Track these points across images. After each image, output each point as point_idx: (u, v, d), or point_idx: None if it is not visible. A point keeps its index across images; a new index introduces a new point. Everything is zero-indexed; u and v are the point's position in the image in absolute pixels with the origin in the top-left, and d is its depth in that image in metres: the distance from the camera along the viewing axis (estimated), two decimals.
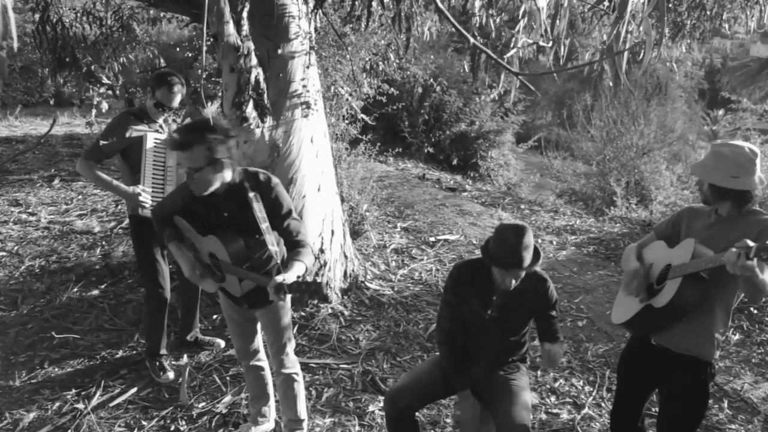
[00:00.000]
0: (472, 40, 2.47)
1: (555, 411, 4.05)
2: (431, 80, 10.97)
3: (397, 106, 8.90)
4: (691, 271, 2.50)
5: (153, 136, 3.89)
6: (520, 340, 3.17)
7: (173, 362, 4.26)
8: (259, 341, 3.41)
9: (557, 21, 2.91)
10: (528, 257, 2.76)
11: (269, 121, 4.62)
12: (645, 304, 2.72)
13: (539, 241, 7.13)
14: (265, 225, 2.87)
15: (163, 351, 4.15)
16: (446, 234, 7.03)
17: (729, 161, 2.50)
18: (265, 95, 4.52)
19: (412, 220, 7.42)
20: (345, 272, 5.35)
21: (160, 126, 4.03)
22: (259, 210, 2.86)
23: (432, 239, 6.84)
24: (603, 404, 4.16)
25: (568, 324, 5.25)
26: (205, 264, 3.07)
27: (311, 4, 4.86)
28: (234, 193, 2.88)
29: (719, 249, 2.53)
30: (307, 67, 4.88)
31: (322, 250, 5.00)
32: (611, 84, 11.21)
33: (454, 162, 11.93)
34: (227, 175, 2.81)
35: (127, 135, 3.85)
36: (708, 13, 4.32)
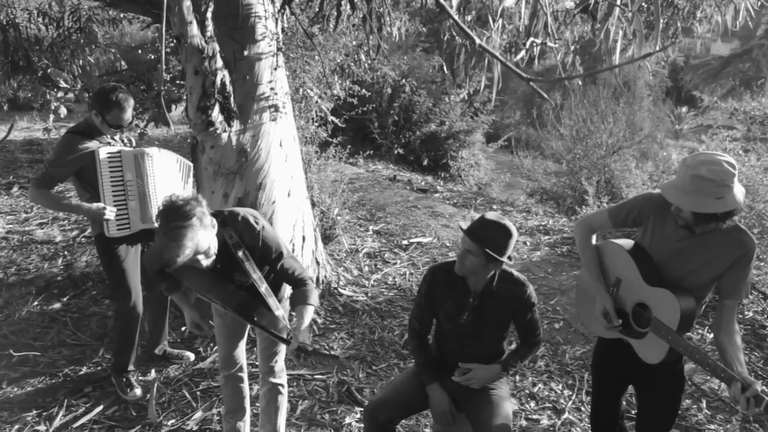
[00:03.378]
0: (478, 41, 2.36)
1: (535, 417, 3.99)
2: (402, 80, 10.87)
3: (367, 107, 8.78)
4: (682, 353, 2.43)
5: (105, 151, 3.61)
6: (499, 347, 3.09)
7: (141, 378, 4.09)
8: (243, 351, 3.28)
9: (534, 20, 2.84)
10: (508, 244, 2.69)
11: (236, 125, 4.47)
12: (622, 338, 2.70)
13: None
14: (263, 287, 2.74)
15: (131, 367, 3.98)
16: (419, 237, 6.94)
17: (711, 183, 2.29)
18: (232, 98, 4.37)
19: (384, 223, 7.32)
20: (317, 279, 5.22)
21: (112, 137, 3.80)
22: (252, 270, 2.72)
23: (405, 242, 6.74)
24: (583, 408, 4.11)
25: (545, 326, 5.19)
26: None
27: (278, 4, 4.72)
28: (221, 252, 2.69)
29: (686, 267, 2.47)
30: (275, 69, 4.74)
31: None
32: (580, 83, 11.24)
33: (425, 163, 11.87)
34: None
35: (77, 156, 3.57)
36: (680, 12, 4.30)
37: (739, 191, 2.34)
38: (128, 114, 3.71)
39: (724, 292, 2.49)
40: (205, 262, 2.59)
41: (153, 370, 4.20)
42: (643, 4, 4.34)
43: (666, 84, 23.42)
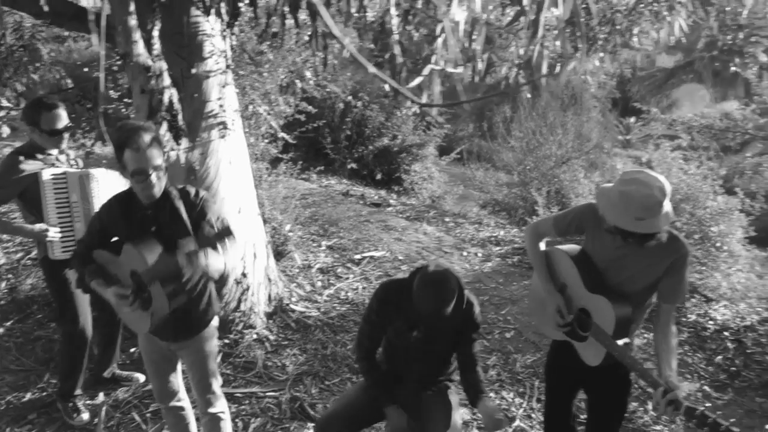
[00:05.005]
0: (371, 69, 2.42)
1: None
2: (349, 97, 10.91)
3: (318, 123, 8.79)
4: (616, 357, 2.52)
5: (49, 173, 3.54)
6: (447, 362, 3.15)
7: (88, 402, 4.01)
8: (179, 380, 3.22)
9: (473, 37, 2.92)
10: (449, 307, 2.71)
11: (184, 143, 4.45)
12: (567, 340, 2.78)
13: (464, 254, 7.18)
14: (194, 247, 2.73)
15: (78, 391, 3.90)
16: (372, 251, 6.97)
17: (636, 205, 2.37)
18: (180, 116, 4.34)
19: (337, 238, 7.34)
20: (269, 296, 5.21)
21: (57, 158, 3.74)
22: (188, 222, 2.73)
23: (357, 257, 6.77)
24: (534, 415, 4.19)
25: (496, 336, 5.28)
26: (132, 291, 2.81)
27: (225, 21, 4.74)
28: (162, 203, 2.72)
29: (624, 274, 2.58)
30: (224, 86, 4.74)
31: (244, 274, 4.85)
32: (529, 96, 11.47)
33: (378, 177, 11.90)
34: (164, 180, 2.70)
35: (20, 176, 3.50)
36: (618, 27, 4.47)
37: (664, 217, 2.42)
38: (61, 115, 3.63)
39: (661, 296, 2.60)
40: (155, 184, 2.62)
41: (101, 394, 4.13)
42: (582, 19, 4.49)
43: (614, 95, 24.00)
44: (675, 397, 2.27)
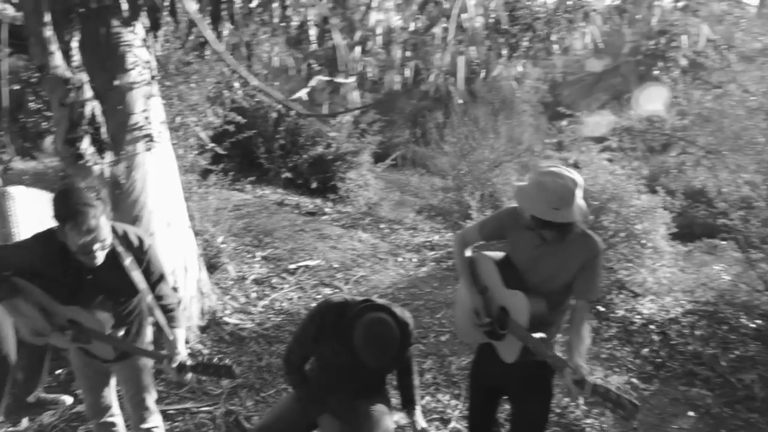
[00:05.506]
0: (254, 82, 2.45)
1: None
2: (279, 106, 10.84)
3: (249, 133, 8.70)
4: (526, 345, 2.60)
5: None
6: (381, 380, 3.18)
7: (10, 429, 3.86)
8: (113, 395, 3.15)
9: (391, 46, 2.98)
10: (392, 354, 2.74)
11: (108, 156, 4.34)
12: (488, 342, 2.84)
13: (399, 259, 7.24)
14: (150, 298, 2.70)
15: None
16: (307, 260, 6.96)
17: (550, 193, 2.49)
18: (103, 129, 4.25)
19: (271, 248, 7.28)
20: (202, 309, 5.14)
21: None
22: (137, 277, 2.67)
23: (292, 266, 6.74)
24: None
25: (431, 339, 5.34)
26: (61, 326, 2.75)
27: (144, 31, 4.66)
28: (107, 257, 2.60)
29: (543, 274, 2.67)
30: (149, 98, 4.66)
31: (175, 289, 4.76)
32: (460, 101, 11.67)
33: (314, 186, 11.87)
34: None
35: None
36: (539, 34, 4.62)
37: (578, 208, 2.54)
38: None
39: (576, 293, 2.70)
40: (100, 255, 2.52)
41: (25, 419, 3.97)
42: (506, 26, 4.60)
43: (546, 99, 24.59)
44: (580, 377, 2.37)
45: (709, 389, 4.71)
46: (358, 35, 2.98)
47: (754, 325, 5.73)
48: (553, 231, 2.59)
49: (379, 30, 2.82)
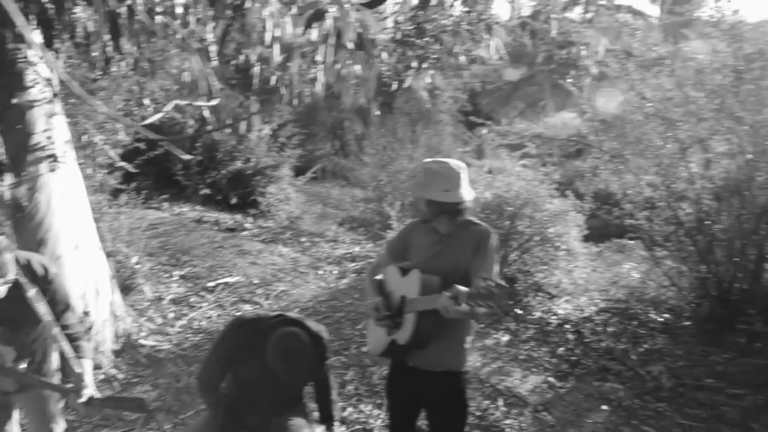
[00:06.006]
0: (90, 102, 2.43)
1: None
2: (192, 121, 10.66)
3: (161, 150, 8.50)
4: (421, 309, 2.67)
5: None
6: (299, 395, 3.17)
7: None
8: (15, 430, 3.01)
9: (290, 62, 3.01)
10: (305, 368, 2.75)
11: (8, 178, 4.18)
12: (391, 338, 2.87)
13: (320, 272, 7.23)
14: (48, 318, 2.59)
15: None
16: (226, 277, 6.86)
17: (439, 176, 2.74)
18: (1, 150, 4.08)
19: (189, 266, 7.14)
20: (116, 332, 4.99)
21: None
22: (41, 308, 2.56)
23: (211, 284, 6.63)
24: None
25: (353, 351, 5.35)
26: None
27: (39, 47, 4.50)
28: (9, 289, 2.52)
29: (443, 267, 2.76)
30: (51, 117, 4.51)
31: (86, 313, 4.61)
32: (377, 113, 11.78)
33: (233, 201, 11.70)
34: None
35: None
36: (446, 46, 4.75)
37: (466, 192, 2.77)
38: None
39: (471, 275, 2.77)
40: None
41: None
42: (412, 39, 4.70)
43: (466, 108, 25.07)
44: (455, 293, 2.45)
45: (621, 383, 4.90)
46: (258, 50, 2.99)
47: (661, 319, 6.01)
48: (446, 219, 2.79)
49: (277, 44, 2.84)
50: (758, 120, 5.10)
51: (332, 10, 2.79)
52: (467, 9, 4.47)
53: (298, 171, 14.10)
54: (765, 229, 5.22)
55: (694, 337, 5.54)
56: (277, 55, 2.89)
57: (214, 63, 2.98)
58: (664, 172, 5.75)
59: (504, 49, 4.84)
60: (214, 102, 3.69)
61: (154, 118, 2.86)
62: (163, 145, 6.16)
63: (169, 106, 2.88)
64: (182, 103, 2.92)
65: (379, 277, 3.07)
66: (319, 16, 2.94)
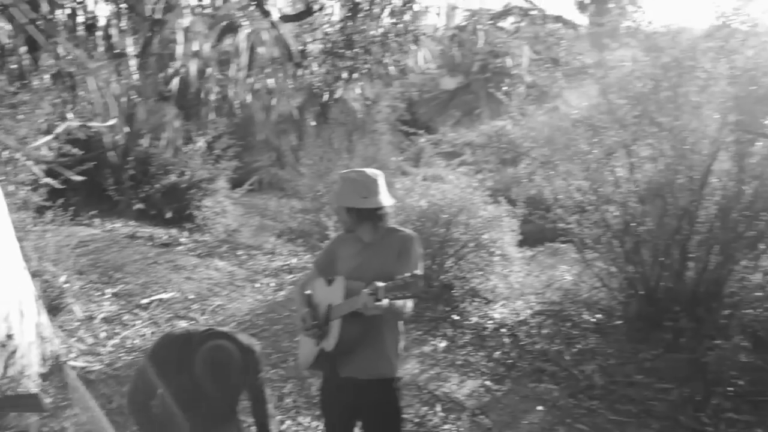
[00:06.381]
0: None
1: None
2: (119, 136, 10.40)
3: (89, 165, 8.26)
4: (345, 312, 2.69)
5: None
6: (233, 408, 3.13)
7: None
8: None
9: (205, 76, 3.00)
10: (234, 381, 2.72)
11: None
12: (320, 348, 2.87)
13: (257, 285, 7.16)
14: None
15: None
16: (160, 293, 6.71)
17: (357, 184, 2.81)
18: None
19: (122, 283, 6.96)
20: (43, 355, 4.81)
21: None
22: None
23: (145, 301, 6.47)
24: None
25: (291, 363, 5.30)
26: None
27: None
28: None
29: (368, 276, 2.77)
30: None
31: (9, 336, 4.43)
32: (313, 123, 11.77)
33: (168, 216, 11.48)
34: None
35: None
36: (375, 57, 4.79)
37: (385, 197, 2.84)
38: None
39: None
40: None
41: None
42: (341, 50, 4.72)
43: (404, 117, 25.25)
44: (373, 288, 2.50)
45: (556, 383, 5.01)
46: (178, 64, 2.96)
47: (594, 320, 6.18)
48: (368, 225, 2.84)
49: (194, 58, 2.81)
50: (677, 125, 5.30)
51: (246, 24, 2.78)
52: (394, 21, 4.53)
53: (235, 183, 13.93)
54: (687, 230, 5.43)
55: (624, 336, 5.70)
56: (192, 70, 2.86)
57: (135, 77, 2.92)
58: (591, 176, 5.92)
59: (432, 59, 4.93)
60: (111, 122, 3.62)
61: (42, 141, 2.78)
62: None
63: (60, 128, 2.81)
64: (75, 124, 2.84)
65: (307, 291, 3.07)
66: (232, 29, 2.92)
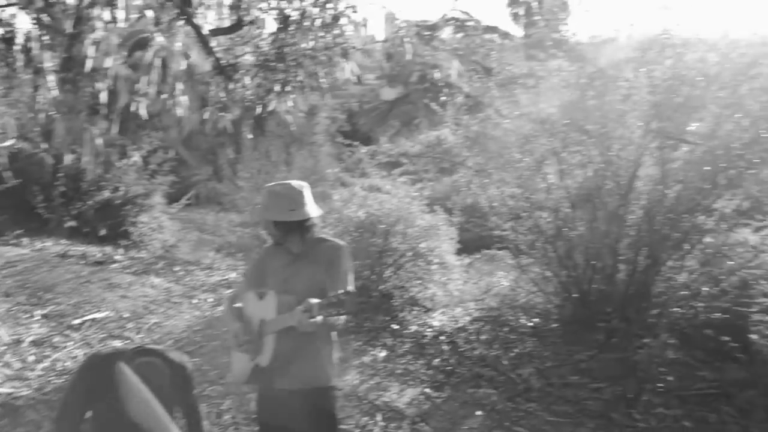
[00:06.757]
0: None
1: None
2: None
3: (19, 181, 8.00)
4: (279, 328, 2.69)
5: None
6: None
7: None
8: None
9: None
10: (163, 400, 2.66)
11: None
12: (254, 363, 2.85)
13: (194, 301, 7.04)
14: None
15: None
16: (93, 313, 6.51)
17: (284, 197, 2.81)
18: None
19: (53, 304, 6.72)
20: None
21: None
22: None
23: (77, 322, 6.27)
24: None
25: (229, 379, 5.22)
26: None
27: None
28: None
29: (298, 288, 2.79)
30: None
31: None
32: (250, 136, 11.63)
33: (102, 233, 11.17)
34: None
35: None
36: (306, 70, 4.81)
37: (312, 208, 2.86)
38: None
39: (327, 292, 2.80)
40: None
41: None
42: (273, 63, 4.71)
43: (344, 128, 25.27)
44: (307, 306, 2.50)
45: (494, 388, 5.08)
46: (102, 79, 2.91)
47: (531, 324, 6.29)
48: (296, 237, 2.85)
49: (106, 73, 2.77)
50: (603, 132, 5.48)
51: (159, 39, 2.75)
52: (322, 34, 4.56)
53: (173, 198, 13.68)
54: (616, 233, 5.59)
55: (560, 338, 5.83)
56: (102, 85, 2.82)
57: (54, 92, 2.85)
58: (524, 184, 6.05)
59: (359, 72, 4.98)
60: (7, 143, 3.54)
61: None
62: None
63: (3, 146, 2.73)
64: (5, 144, 2.76)
65: (237, 305, 3.05)
66: (142, 44, 2.89)
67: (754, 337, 5.08)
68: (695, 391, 4.68)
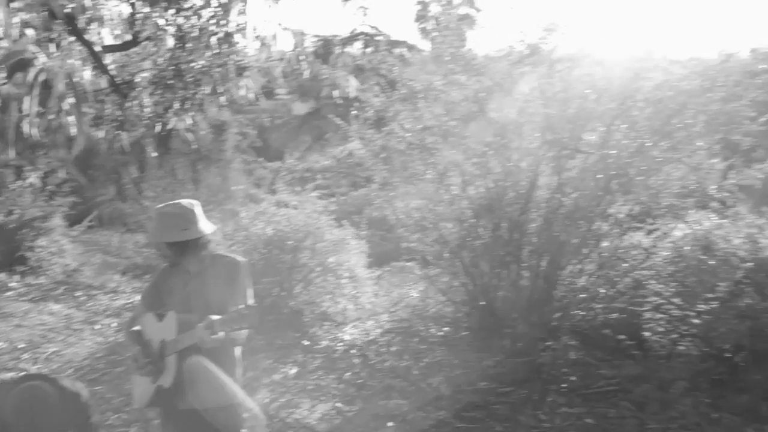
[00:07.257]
0: None
1: None
2: None
3: None
4: (181, 348, 2.66)
5: None
6: None
7: None
8: None
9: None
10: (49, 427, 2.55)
11: None
12: (157, 385, 2.79)
13: (97, 327, 6.79)
14: None
15: None
16: None
17: (175, 218, 2.78)
18: None
19: None
20: None
21: None
22: None
23: None
24: None
25: (135, 406, 5.05)
26: None
27: None
28: None
29: (198, 306, 2.77)
30: None
31: None
32: (154, 154, 11.39)
33: None
34: None
35: None
36: (204, 87, 4.75)
37: (205, 226, 2.85)
38: None
39: (227, 308, 2.78)
40: None
41: None
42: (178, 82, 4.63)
43: (256, 143, 24.93)
44: (208, 323, 2.51)
45: (405, 398, 5.12)
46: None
47: (441, 333, 6.40)
48: (192, 256, 2.82)
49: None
50: (502, 143, 5.65)
51: (42, 59, 2.68)
52: (218, 51, 4.54)
53: (74, 220, 13.14)
54: (518, 241, 5.77)
55: (469, 346, 5.94)
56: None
57: None
58: (428, 195, 6.15)
59: (256, 89, 4.99)
60: None
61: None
62: None
63: None
64: None
65: (136, 328, 2.97)
66: (23, 65, 2.81)
67: (647, 334, 5.37)
68: (596, 388, 4.89)
